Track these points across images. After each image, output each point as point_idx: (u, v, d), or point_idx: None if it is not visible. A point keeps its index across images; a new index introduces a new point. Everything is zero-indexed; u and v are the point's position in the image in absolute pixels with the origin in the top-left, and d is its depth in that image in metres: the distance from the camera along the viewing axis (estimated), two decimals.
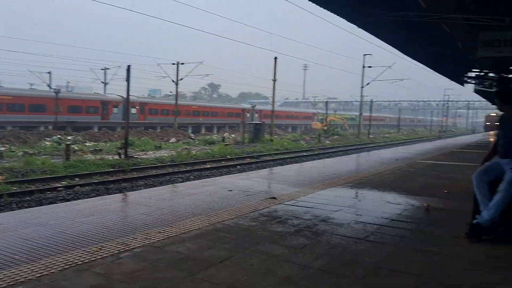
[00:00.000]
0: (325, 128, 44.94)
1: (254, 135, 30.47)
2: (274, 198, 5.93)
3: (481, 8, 9.58)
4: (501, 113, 4.41)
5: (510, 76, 19.85)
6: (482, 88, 25.25)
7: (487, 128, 58.83)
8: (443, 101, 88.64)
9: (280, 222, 4.63)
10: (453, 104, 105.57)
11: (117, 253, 3.53)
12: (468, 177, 4.35)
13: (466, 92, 71.46)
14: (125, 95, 17.84)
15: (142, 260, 3.36)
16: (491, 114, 64.38)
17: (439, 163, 11.69)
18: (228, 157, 19.93)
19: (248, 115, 55.73)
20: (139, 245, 3.74)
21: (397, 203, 5.83)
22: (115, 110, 40.98)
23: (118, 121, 39.13)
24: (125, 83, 17.11)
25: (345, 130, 59.20)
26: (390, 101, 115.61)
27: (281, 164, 17.25)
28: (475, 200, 4.29)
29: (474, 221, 4.17)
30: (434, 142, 27.09)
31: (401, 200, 6.11)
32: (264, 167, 16.28)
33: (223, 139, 30.89)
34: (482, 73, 20.56)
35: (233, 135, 35.55)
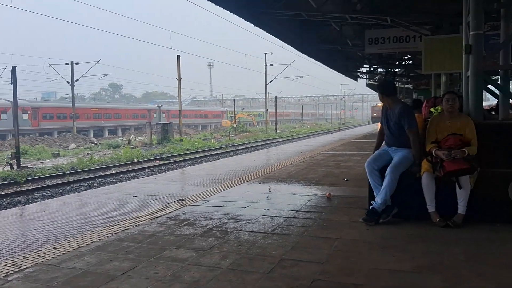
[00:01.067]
0: (235, 125, 45.42)
1: (163, 136, 29.72)
2: (182, 200, 5.79)
3: (365, 8, 10.32)
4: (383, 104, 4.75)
5: (397, 70, 21.82)
6: (372, 82, 27.52)
7: (374, 119, 61.99)
8: (340, 95, 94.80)
9: (188, 224, 4.51)
10: (349, 97, 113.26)
11: (4, 276, 3.15)
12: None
13: (360, 86, 77.17)
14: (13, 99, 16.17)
15: (34, 281, 3.03)
16: (378, 105, 68.10)
17: (339, 153, 12.42)
18: (135, 160, 19.13)
19: (154, 115, 54.10)
20: (31, 264, 3.38)
21: (301, 194, 6.04)
22: (3, 116, 37.20)
23: (7, 129, 35.59)
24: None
25: (254, 127, 60.36)
26: (293, 97, 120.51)
27: (192, 164, 17.03)
28: (369, 187, 4.59)
29: (370, 207, 4.46)
30: (335, 134, 28.80)
31: (305, 191, 6.33)
32: (174, 169, 15.90)
33: (129, 142, 29.60)
34: (371, 68, 22.33)
35: (139, 137, 34.24)
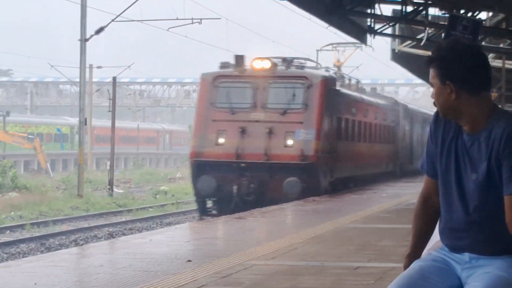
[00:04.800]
0: None
1: None
2: None
3: None
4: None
5: (482, 17, 15.88)
6: (409, 50, 19.56)
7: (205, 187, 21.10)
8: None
9: None
10: None
11: None
12: None
13: (374, 59, 47.81)
14: None
15: None
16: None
17: None
18: None
19: None
20: None
21: None
22: None
23: None
24: None
25: (41, 174, 41.86)
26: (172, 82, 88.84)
27: None
28: None
29: None
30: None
31: None
32: None
33: None
34: (406, 7, 15.98)
35: None
